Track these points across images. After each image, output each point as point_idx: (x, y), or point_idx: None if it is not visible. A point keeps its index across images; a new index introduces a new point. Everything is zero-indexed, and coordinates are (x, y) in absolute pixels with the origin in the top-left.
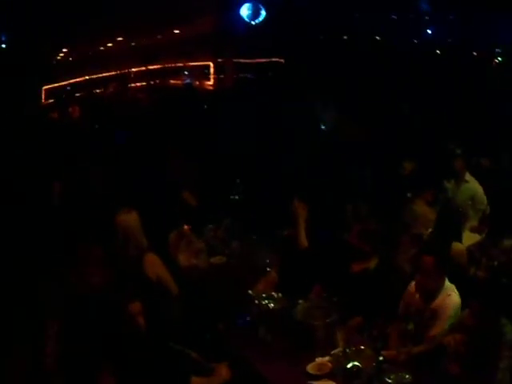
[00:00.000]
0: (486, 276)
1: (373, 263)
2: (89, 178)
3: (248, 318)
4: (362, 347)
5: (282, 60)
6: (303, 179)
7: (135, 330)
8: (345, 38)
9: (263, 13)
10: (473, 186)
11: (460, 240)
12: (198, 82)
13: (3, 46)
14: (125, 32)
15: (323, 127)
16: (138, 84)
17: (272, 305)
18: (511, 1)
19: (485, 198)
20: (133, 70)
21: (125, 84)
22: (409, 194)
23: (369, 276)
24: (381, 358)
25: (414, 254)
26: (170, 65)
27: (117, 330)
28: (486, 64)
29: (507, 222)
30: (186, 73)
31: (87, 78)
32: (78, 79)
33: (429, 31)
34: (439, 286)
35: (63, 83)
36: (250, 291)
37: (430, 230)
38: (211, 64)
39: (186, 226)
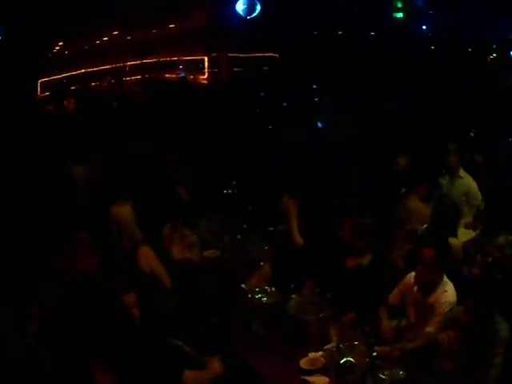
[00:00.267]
0: (481, 273)
1: (366, 259)
2: (84, 171)
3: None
4: (356, 343)
5: (277, 55)
6: (296, 174)
7: (130, 320)
8: (340, 33)
9: (258, 8)
10: (467, 181)
11: (455, 235)
12: (192, 76)
13: None
14: (121, 26)
15: (319, 123)
16: (133, 77)
17: (265, 299)
18: None
19: (479, 193)
20: (128, 63)
21: (120, 77)
22: (403, 190)
23: (362, 272)
24: (374, 354)
25: (408, 250)
26: (164, 59)
27: (111, 318)
28: (481, 60)
29: (502, 219)
30: (181, 67)
31: (83, 71)
32: (73, 72)
33: (424, 27)
34: (438, 280)
35: (59, 76)
36: (243, 285)
37: (424, 225)
38: (206, 58)
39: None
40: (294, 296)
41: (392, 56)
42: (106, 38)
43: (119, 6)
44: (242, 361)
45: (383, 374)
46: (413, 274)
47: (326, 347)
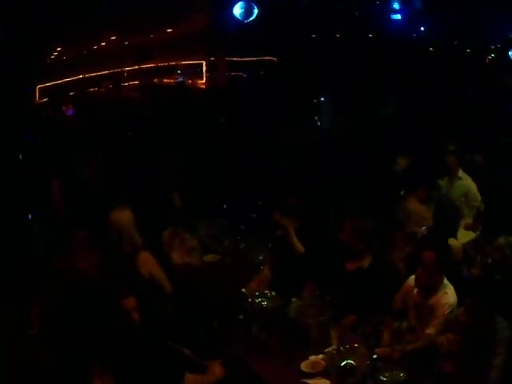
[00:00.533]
0: (481, 274)
1: (366, 261)
2: (83, 176)
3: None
4: (356, 345)
5: (275, 58)
6: (295, 177)
7: (129, 323)
8: (338, 36)
9: (256, 11)
10: (466, 182)
11: (455, 236)
12: (190, 81)
13: None
14: (118, 31)
15: (319, 125)
16: (131, 83)
17: (265, 303)
18: None
19: (478, 194)
20: (126, 68)
21: (118, 83)
22: (402, 192)
23: (363, 274)
24: (375, 356)
25: (408, 252)
26: (162, 64)
27: (110, 319)
28: (480, 61)
29: (502, 220)
30: (179, 71)
31: (81, 76)
32: (71, 78)
33: (422, 28)
34: (438, 282)
35: (57, 82)
36: (243, 289)
37: (423, 227)
38: (204, 63)
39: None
40: (294, 299)
41: (391, 58)
42: (103, 44)
43: (117, 11)
44: (242, 365)
45: (384, 376)
46: (413, 277)
47: (326, 350)
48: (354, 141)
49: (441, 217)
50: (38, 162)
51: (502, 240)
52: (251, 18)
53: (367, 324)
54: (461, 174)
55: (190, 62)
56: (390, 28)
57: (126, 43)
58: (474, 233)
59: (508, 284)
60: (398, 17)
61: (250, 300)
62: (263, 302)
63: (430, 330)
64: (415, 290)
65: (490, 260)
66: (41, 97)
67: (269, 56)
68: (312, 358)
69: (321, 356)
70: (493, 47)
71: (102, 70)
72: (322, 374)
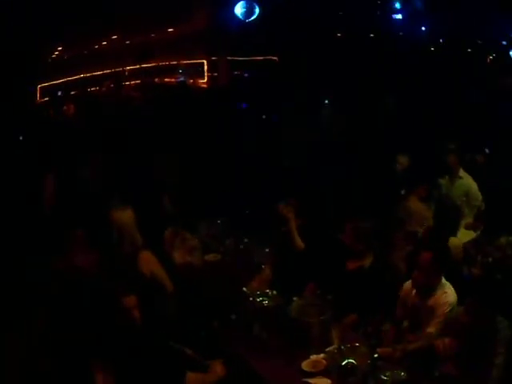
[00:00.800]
0: (481, 273)
1: (367, 261)
2: (83, 175)
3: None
4: (357, 344)
5: (276, 58)
6: (296, 177)
7: (130, 321)
8: (339, 35)
9: (257, 11)
10: (467, 181)
11: (455, 234)
12: (191, 80)
13: None
14: (119, 30)
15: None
16: (133, 82)
17: (266, 302)
18: None
19: (479, 194)
20: (127, 68)
21: (119, 82)
22: (402, 191)
23: (364, 274)
24: (376, 355)
25: (409, 251)
26: (164, 63)
27: (111, 318)
28: (480, 60)
29: (503, 219)
30: (180, 71)
31: (82, 76)
32: (72, 77)
33: (423, 28)
34: (436, 283)
35: (58, 81)
36: (244, 288)
37: (424, 226)
38: (205, 62)
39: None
40: (295, 298)
41: (391, 57)
42: (104, 43)
43: (118, 10)
44: (243, 364)
45: (385, 376)
46: (409, 281)
47: (327, 349)
48: (354, 140)
49: (441, 216)
50: (38, 160)
51: (502, 239)
52: (252, 18)
53: (368, 323)
54: (461, 173)
55: (192, 62)
56: (390, 28)
57: (127, 42)
58: (475, 232)
59: (509, 283)
60: (399, 16)
61: (251, 299)
62: (264, 301)
63: (430, 329)
64: (413, 292)
65: (490, 259)
66: (42, 96)
67: (270, 55)
68: (313, 357)
69: (322, 355)
70: (493, 47)
71: (103, 70)
72: (323, 373)
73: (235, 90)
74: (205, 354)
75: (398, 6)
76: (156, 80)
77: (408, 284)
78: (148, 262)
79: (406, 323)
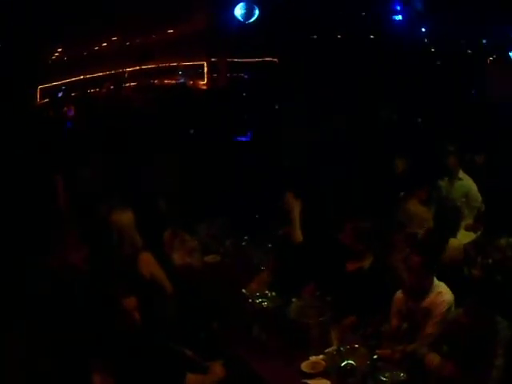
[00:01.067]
0: (481, 274)
1: (367, 262)
2: (84, 176)
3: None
4: (357, 345)
5: (276, 59)
6: (295, 178)
7: (130, 322)
8: (339, 36)
9: (257, 12)
10: (467, 183)
11: (455, 235)
12: (191, 82)
13: None
14: (119, 32)
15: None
16: (132, 84)
17: (266, 303)
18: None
19: (479, 195)
20: (127, 69)
21: (119, 84)
22: (401, 194)
23: (363, 275)
24: (375, 357)
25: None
26: (164, 64)
27: (109, 317)
28: (480, 61)
29: (503, 220)
30: (180, 72)
31: (82, 77)
32: (73, 79)
33: (423, 29)
34: (427, 285)
35: (58, 83)
36: (243, 290)
37: (424, 228)
38: (205, 63)
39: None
40: (294, 300)
41: (391, 58)
42: (104, 44)
43: (118, 11)
44: (243, 365)
45: (384, 377)
46: (399, 291)
47: (326, 350)
48: (353, 141)
49: (441, 218)
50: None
51: (502, 241)
52: (252, 19)
53: (368, 325)
54: (461, 174)
55: (192, 63)
56: (391, 29)
57: (127, 44)
58: (475, 233)
59: (509, 285)
60: (399, 17)
61: (250, 300)
62: (263, 302)
63: (429, 330)
64: (406, 298)
65: (490, 261)
66: (42, 98)
67: (270, 57)
68: (312, 358)
69: (321, 356)
70: (494, 48)
71: (103, 71)
72: (323, 374)
73: (235, 91)
74: (204, 356)
75: (398, 7)
76: (156, 81)
77: (399, 293)
78: (148, 263)
79: (405, 325)
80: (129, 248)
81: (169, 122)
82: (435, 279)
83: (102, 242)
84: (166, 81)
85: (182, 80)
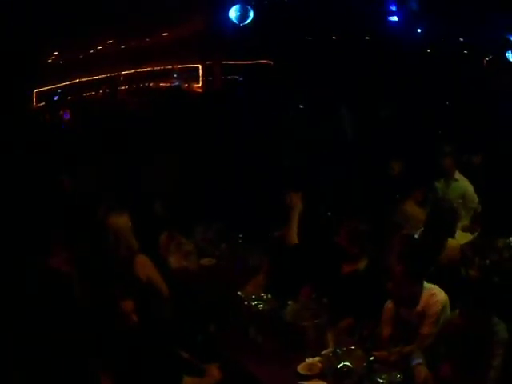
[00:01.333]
0: (479, 275)
1: (362, 264)
2: (80, 179)
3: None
4: (353, 347)
5: (271, 62)
6: (292, 181)
7: (127, 323)
8: (334, 38)
9: (251, 15)
10: (463, 184)
11: (453, 236)
12: (186, 85)
13: None
14: (114, 35)
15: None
16: (128, 87)
17: (261, 306)
18: None
19: (475, 196)
20: (122, 72)
21: (115, 87)
22: (398, 195)
23: (359, 277)
24: (371, 358)
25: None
26: (158, 67)
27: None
28: (477, 62)
29: (500, 221)
30: (175, 75)
31: (78, 80)
32: (68, 82)
33: (419, 30)
34: (416, 293)
35: (54, 86)
36: (239, 293)
37: (420, 230)
38: (200, 66)
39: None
40: (290, 302)
41: (387, 59)
42: (100, 48)
43: (113, 15)
44: (240, 367)
45: (380, 378)
46: (388, 301)
47: (323, 352)
48: (350, 143)
49: (437, 219)
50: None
51: (500, 242)
52: (247, 22)
53: (364, 327)
54: (457, 175)
55: (186, 66)
56: (386, 30)
57: (123, 47)
58: (472, 234)
59: (506, 286)
60: (395, 18)
61: (246, 303)
62: (259, 305)
63: (425, 330)
64: (396, 306)
65: (488, 262)
66: (38, 101)
67: (265, 59)
68: (309, 360)
69: (317, 358)
70: (490, 48)
71: (99, 74)
72: (319, 376)
73: (230, 93)
74: (201, 358)
75: (393, 8)
76: (151, 84)
77: (389, 303)
78: (144, 266)
79: (399, 332)
80: (125, 251)
81: (164, 125)
82: (425, 283)
83: (98, 244)
84: (161, 84)
85: (176, 83)
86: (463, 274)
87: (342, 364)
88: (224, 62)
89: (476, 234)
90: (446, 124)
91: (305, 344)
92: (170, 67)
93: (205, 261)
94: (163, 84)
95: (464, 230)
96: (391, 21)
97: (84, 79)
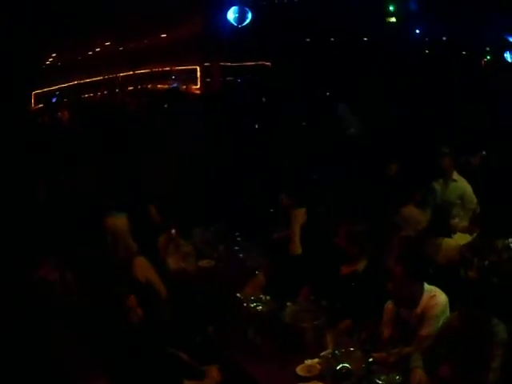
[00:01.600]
0: (477, 276)
1: (361, 265)
2: (78, 181)
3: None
4: (352, 349)
5: (269, 63)
6: (290, 183)
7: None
8: (332, 39)
9: (250, 16)
10: (461, 184)
11: (449, 235)
12: (185, 86)
13: None
14: (113, 36)
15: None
16: (126, 88)
17: (260, 307)
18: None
19: (474, 196)
20: (121, 74)
21: (113, 88)
22: (397, 197)
23: (358, 278)
24: (370, 360)
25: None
26: (157, 69)
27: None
28: (475, 63)
29: (499, 222)
30: (174, 77)
31: (76, 82)
32: (66, 84)
33: (417, 31)
34: (416, 294)
35: (52, 88)
36: (238, 294)
37: (418, 231)
38: (198, 68)
39: (173, 230)
40: (289, 304)
41: (385, 60)
42: (98, 49)
43: (111, 16)
44: (239, 369)
45: (379, 379)
46: (388, 302)
47: (322, 354)
48: (348, 143)
49: (434, 219)
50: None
51: (498, 243)
52: (245, 23)
53: (363, 328)
54: (455, 175)
55: (185, 68)
56: (385, 31)
57: (121, 49)
58: (471, 235)
59: (505, 287)
60: (393, 19)
61: (245, 305)
62: (258, 306)
63: (424, 332)
64: (396, 307)
65: (486, 262)
66: (36, 103)
67: (263, 60)
68: (307, 361)
69: (316, 360)
70: (488, 49)
71: (97, 76)
72: (318, 377)
73: (228, 95)
74: (200, 360)
75: (391, 8)
76: (149, 86)
77: (389, 303)
78: (143, 267)
79: (399, 333)
80: (123, 252)
81: (163, 127)
82: (426, 285)
83: (97, 246)
84: (159, 85)
85: (175, 84)
86: (462, 275)
87: (340, 365)
88: (222, 64)
89: (475, 235)
90: (445, 124)
91: (304, 345)
92: (168, 69)
93: (203, 262)
94: (161, 85)
95: (463, 231)
96: (390, 22)
97: (82, 81)
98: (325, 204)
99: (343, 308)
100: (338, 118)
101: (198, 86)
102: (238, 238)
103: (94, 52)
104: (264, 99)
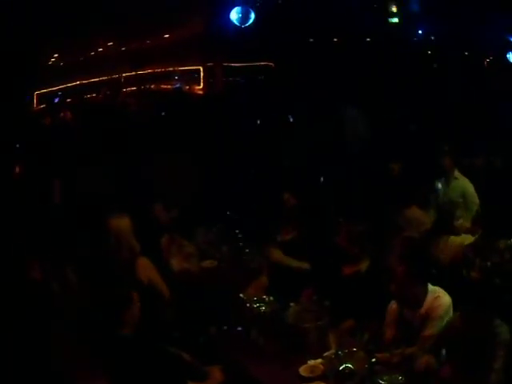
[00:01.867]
0: (480, 277)
1: (364, 265)
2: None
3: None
4: (355, 349)
5: (272, 64)
6: (293, 183)
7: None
8: (335, 40)
9: (253, 16)
10: (462, 182)
11: (452, 231)
12: (188, 87)
13: None
14: (115, 37)
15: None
16: (129, 89)
17: (263, 308)
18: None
19: (476, 195)
20: (123, 74)
21: (116, 89)
22: (400, 198)
23: (360, 278)
24: (373, 360)
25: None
26: (160, 69)
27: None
28: (478, 63)
29: (501, 223)
30: (176, 77)
31: (78, 83)
32: (69, 84)
33: (419, 31)
34: (420, 294)
35: (54, 88)
36: (241, 295)
37: (421, 231)
38: (201, 68)
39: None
40: (292, 304)
41: (388, 60)
42: (100, 50)
43: (113, 17)
44: (241, 369)
45: (382, 380)
46: (392, 302)
47: (324, 354)
48: (350, 143)
49: (439, 221)
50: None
51: (501, 243)
52: (248, 23)
53: (365, 329)
54: (457, 174)
55: (188, 68)
56: (387, 31)
57: (123, 49)
58: (473, 236)
59: (507, 287)
60: (396, 20)
61: (248, 305)
62: (261, 307)
63: (427, 332)
64: (400, 307)
65: (489, 263)
66: (38, 103)
67: (266, 61)
68: (310, 362)
69: (319, 360)
70: (491, 49)
71: (100, 76)
72: (321, 378)
73: (231, 95)
74: (203, 360)
75: (394, 9)
76: (152, 86)
77: (393, 303)
78: (145, 268)
79: (402, 334)
80: (126, 253)
81: (166, 127)
82: (430, 285)
83: (100, 246)
84: (162, 86)
85: (178, 85)
86: (465, 276)
87: (343, 366)
88: (225, 64)
89: (477, 235)
90: (447, 125)
91: (306, 346)
92: (171, 69)
93: (206, 263)
94: (164, 86)
95: (465, 232)
96: (392, 22)
97: (85, 81)
98: (326, 204)
99: (346, 308)
100: (346, 118)
101: (201, 87)
102: (241, 238)
103: (97, 52)
104: (267, 100)
